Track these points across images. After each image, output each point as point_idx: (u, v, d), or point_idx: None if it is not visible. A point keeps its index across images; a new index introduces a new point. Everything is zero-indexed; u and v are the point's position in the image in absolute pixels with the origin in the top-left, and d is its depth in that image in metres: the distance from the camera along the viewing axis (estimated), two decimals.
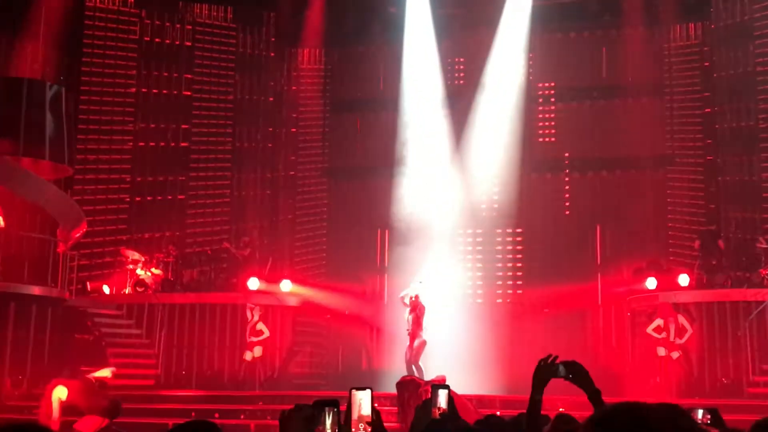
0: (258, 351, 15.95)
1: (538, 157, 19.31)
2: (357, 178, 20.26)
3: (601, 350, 17.31)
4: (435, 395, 3.19)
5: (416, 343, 14.11)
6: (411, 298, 14.52)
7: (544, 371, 2.78)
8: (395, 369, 14.96)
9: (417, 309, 14.30)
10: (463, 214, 18.73)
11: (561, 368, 2.77)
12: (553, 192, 19.32)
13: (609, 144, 18.99)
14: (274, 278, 16.75)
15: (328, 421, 2.75)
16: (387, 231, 19.02)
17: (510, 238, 19.10)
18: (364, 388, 2.96)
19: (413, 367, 14.12)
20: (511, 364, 16.31)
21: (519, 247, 19.16)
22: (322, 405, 2.76)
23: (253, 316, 15.99)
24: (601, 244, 18.68)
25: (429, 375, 13.35)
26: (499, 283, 18.97)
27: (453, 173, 18.71)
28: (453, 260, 18.52)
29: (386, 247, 19.07)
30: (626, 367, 16.11)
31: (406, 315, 14.58)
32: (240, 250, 17.46)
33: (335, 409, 2.76)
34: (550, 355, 2.80)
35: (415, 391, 11.48)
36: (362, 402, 2.91)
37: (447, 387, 3.22)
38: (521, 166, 18.89)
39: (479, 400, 12.56)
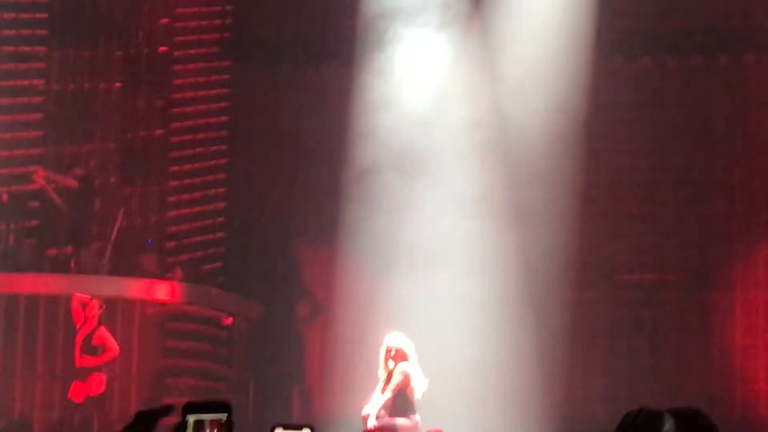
0: (97, 384, 15.66)
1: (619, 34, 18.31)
2: (286, 64, 19.04)
3: (738, 385, 17.19)
4: None
5: (402, 421, 13.75)
6: (391, 362, 13.81)
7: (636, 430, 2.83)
8: (355, 415, 14.31)
9: (404, 380, 13.89)
10: (491, 137, 17.73)
11: (668, 422, 2.83)
12: (635, 91, 18.20)
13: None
14: (128, 248, 17.70)
15: None
16: (340, 167, 18.18)
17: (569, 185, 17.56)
18: (299, 427, 3.18)
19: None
20: (572, 408, 16.80)
21: (590, 193, 17.82)
22: (198, 410, 2.71)
23: (87, 318, 15.67)
24: (738, 184, 18.29)
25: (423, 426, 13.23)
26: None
27: (468, 65, 17.84)
28: (472, 219, 17.66)
29: (342, 195, 18.11)
30: None
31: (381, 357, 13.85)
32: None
33: (223, 420, 2.73)
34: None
35: None
36: None
37: None
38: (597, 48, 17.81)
39: None
